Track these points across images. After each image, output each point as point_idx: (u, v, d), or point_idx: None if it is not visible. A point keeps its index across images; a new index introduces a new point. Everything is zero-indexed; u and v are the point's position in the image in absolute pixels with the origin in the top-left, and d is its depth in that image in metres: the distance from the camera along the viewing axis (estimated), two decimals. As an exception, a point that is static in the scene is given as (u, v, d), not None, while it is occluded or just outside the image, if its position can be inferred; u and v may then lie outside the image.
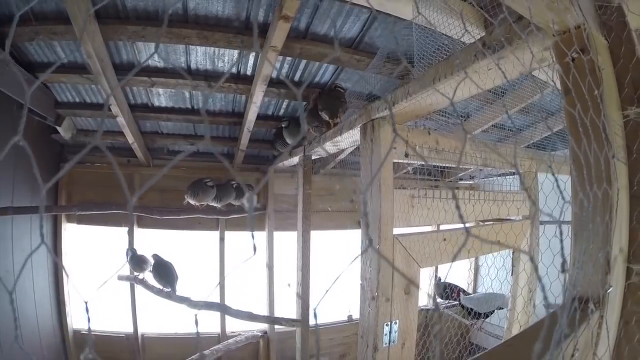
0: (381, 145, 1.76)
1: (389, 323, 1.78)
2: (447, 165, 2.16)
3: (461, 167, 2.30)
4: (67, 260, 3.31)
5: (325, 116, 2.26)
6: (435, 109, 1.83)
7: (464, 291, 3.46)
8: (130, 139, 2.84)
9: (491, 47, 1.19)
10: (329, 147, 2.16)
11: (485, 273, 3.93)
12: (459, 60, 1.35)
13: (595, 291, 0.80)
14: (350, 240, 3.74)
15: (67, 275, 3.25)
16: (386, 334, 1.78)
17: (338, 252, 3.68)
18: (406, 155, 1.87)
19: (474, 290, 4.01)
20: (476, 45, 1.25)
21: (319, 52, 2.22)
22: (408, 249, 1.82)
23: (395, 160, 1.86)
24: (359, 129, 1.88)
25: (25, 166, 2.96)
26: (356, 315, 3.71)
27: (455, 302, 3.58)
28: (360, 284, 1.85)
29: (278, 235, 3.55)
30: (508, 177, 3.54)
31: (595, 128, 0.83)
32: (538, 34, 0.98)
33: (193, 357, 2.74)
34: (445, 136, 2.08)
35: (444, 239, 2.02)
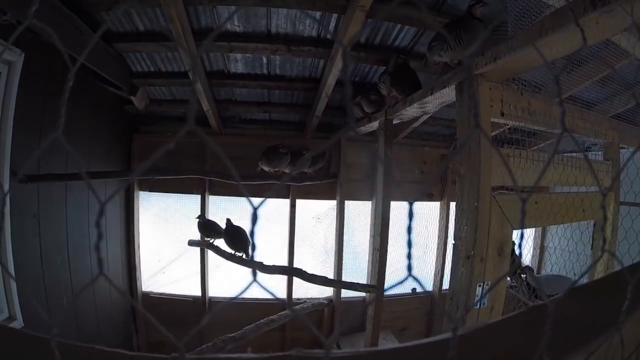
0: (480, 101, 1.72)
1: (481, 284, 1.75)
2: (539, 128, 2.10)
3: (548, 131, 2.23)
4: (139, 226, 3.45)
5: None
6: (535, 66, 1.79)
7: (531, 269, 3.36)
8: (205, 106, 2.88)
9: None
10: (415, 109, 2.13)
11: (554, 247, 3.81)
12: (569, 12, 1.31)
13: None
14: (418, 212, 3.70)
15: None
16: (477, 295, 1.76)
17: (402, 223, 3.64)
18: (502, 115, 1.83)
19: (539, 270, 3.89)
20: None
21: (402, 14, 2.19)
22: (503, 208, 1.78)
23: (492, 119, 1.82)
24: (454, 87, 1.84)
25: (100, 135, 3.08)
26: (420, 289, 3.69)
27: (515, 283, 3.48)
28: (454, 244, 1.83)
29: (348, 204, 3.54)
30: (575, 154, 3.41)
31: None
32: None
33: (261, 320, 2.81)
34: (536, 98, 2.02)
35: (535, 202, 1.97)
